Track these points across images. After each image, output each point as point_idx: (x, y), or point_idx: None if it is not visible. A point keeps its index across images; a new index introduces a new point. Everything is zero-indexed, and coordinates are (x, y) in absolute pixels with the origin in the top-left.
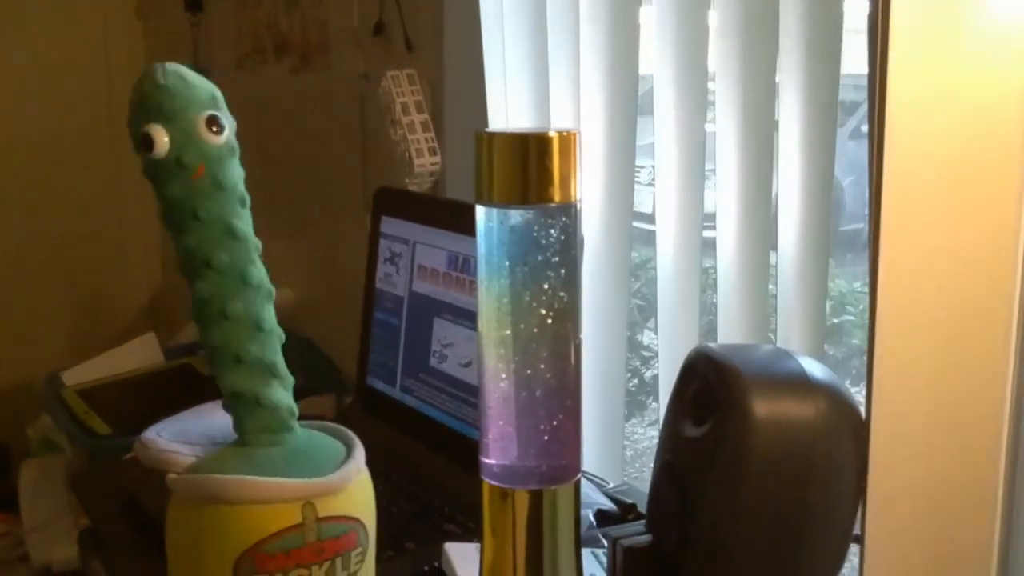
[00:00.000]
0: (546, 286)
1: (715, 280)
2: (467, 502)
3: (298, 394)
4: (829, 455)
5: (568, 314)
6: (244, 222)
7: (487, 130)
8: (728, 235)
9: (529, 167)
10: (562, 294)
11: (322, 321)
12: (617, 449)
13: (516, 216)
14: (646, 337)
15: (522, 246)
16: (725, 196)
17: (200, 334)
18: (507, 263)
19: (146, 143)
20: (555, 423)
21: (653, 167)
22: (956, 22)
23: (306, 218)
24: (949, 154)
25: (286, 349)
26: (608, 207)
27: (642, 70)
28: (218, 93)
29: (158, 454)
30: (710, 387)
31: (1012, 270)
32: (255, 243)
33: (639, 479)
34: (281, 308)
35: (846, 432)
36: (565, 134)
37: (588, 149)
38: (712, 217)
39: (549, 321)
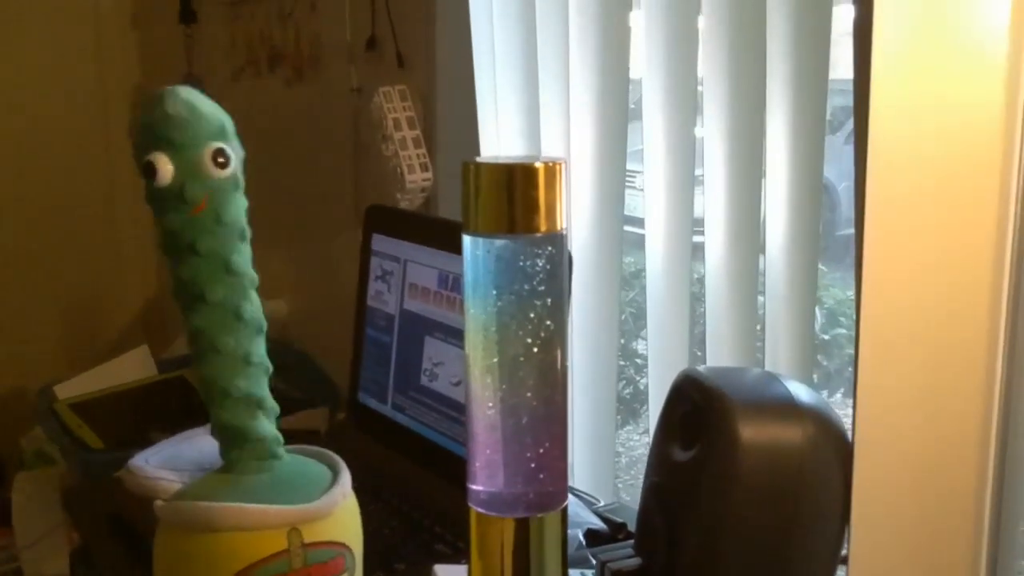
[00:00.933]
0: (532, 315)
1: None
2: (457, 521)
3: (292, 407)
4: (816, 479)
5: (555, 342)
6: (243, 257)
7: (473, 159)
8: (716, 241)
9: (515, 197)
10: (549, 323)
11: (315, 333)
12: (608, 464)
13: (502, 245)
14: (640, 345)
15: (508, 275)
16: (713, 201)
17: (192, 364)
18: (493, 292)
19: (149, 171)
20: (541, 451)
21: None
22: (939, 30)
23: (298, 229)
24: (932, 163)
25: (280, 362)
26: (599, 214)
27: (632, 74)
28: (228, 123)
29: (145, 481)
30: (698, 411)
31: (997, 278)
32: (252, 277)
33: (634, 485)
34: (273, 320)
35: (833, 456)
36: (551, 164)
37: (578, 156)
38: (701, 222)
39: (535, 350)
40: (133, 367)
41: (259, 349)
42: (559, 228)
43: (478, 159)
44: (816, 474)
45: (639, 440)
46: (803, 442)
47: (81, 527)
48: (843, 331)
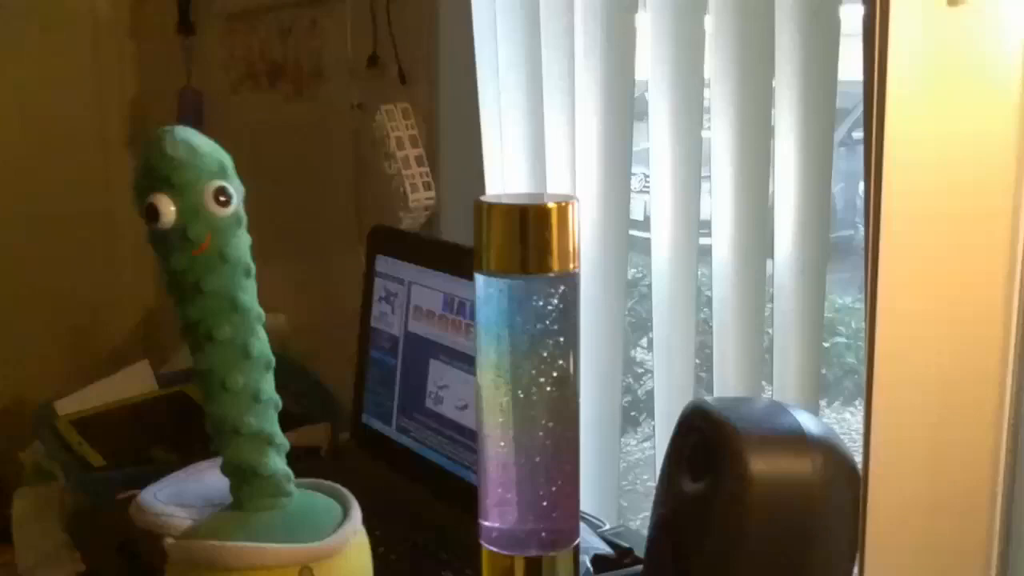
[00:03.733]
0: (545, 354)
1: (710, 289)
2: (464, 547)
3: (292, 423)
4: (826, 511)
5: (567, 381)
6: (248, 294)
7: (485, 199)
8: (723, 244)
9: (528, 238)
10: (561, 362)
11: (315, 349)
12: (612, 483)
13: (515, 285)
14: (639, 354)
15: (521, 315)
16: (721, 204)
17: (204, 402)
18: (506, 331)
19: (151, 214)
20: (554, 488)
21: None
22: (956, 40)
23: (298, 243)
24: (946, 191)
25: (281, 376)
26: (604, 221)
27: (638, 76)
28: (227, 161)
29: (155, 517)
30: (706, 443)
31: (1008, 306)
32: (258, 313)
33: (631, 491)
34: (274, 333)
35: (843, 488)
36: (563, 204)
37: (583, 161)
38: (707, 224)
39: (548, 388)
40: (133, 382)
41: (268, 385)
42: (572, 268)
43: (490, 198)
44: (826, 506)
45: (636, 446)
46: (813, 474)
47: (86, 552)
48: (842, 339)
